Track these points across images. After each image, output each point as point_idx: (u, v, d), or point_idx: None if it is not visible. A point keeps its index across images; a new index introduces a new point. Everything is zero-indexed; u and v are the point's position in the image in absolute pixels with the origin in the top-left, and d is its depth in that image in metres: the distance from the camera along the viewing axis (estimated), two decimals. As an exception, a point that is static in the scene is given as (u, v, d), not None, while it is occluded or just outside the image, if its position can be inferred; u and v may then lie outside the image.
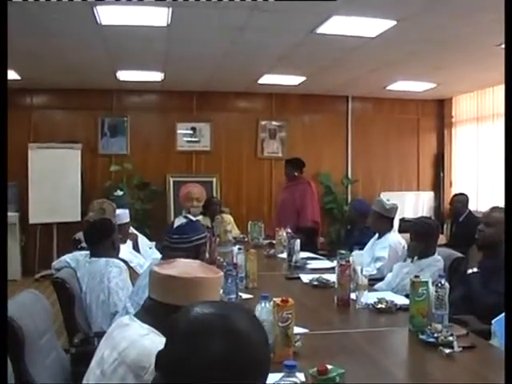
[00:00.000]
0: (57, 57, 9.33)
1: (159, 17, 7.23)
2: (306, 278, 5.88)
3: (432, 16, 7.14)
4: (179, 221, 4.47)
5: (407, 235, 6.16)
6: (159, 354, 1.72)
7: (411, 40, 8.31)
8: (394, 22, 7.40)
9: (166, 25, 7.52)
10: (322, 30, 7.70)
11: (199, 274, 2.59)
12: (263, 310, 3.29)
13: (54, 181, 11.23)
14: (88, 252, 5.31)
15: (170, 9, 6.93)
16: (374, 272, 6.52)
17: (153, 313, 2.53)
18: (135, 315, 2.66)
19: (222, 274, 2.75)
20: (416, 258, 5.78)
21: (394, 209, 7.03)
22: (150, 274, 2.69)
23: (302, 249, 7.42)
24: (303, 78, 11.35)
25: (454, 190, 12.91)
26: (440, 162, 14.04)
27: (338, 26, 7.57)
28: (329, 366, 2.25)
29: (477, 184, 12.70)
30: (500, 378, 2.86)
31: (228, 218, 10.05)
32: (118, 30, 7.78)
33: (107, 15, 7.17)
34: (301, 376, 2.35)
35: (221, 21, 7.38)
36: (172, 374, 1.66)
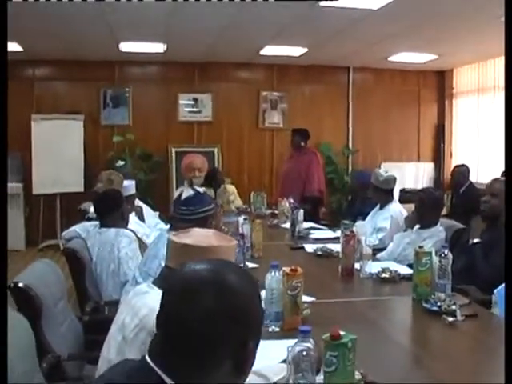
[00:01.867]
0: (59, 29, 9.34)
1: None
2: (310, 247, 5.97)
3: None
4: (187, 192, 4.54)
5: (408, 206, 6.26)
6: (158, 314, 1.81)
7: (413, 12, 8.33)
8: (398, -6, 7.45)
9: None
10: (324, 2, 7.73)
11: (214, 242, 2.70)
12: (273, 279, 3.36)
13: (57, 152, 11.25)
14: (97, 222, 5.40)
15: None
16: (376, 242, 6.61)
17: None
18: (153, 283, 2.77)
19: (235, 242, 2.86)
20: (418, 227, 5.89)
21: (391, 180, 7.09)
22: (168, 243, 2.78)
23: (307, 219, 7.53)
24: (305, 50, 11.35)
25: (455, 161, 12.97)
26: (440, 133, 14.07)
27: (340, -2, 7.60)
28: (341, 332, 2.33)
29: (477, 155, 12.76)
30: (500, 344, 2.94)
31: (231, 188, 10.12)
32: (119, 2, 7.79)
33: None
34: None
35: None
36: (169, 331, 1.75)
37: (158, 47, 11.11)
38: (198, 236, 2.75)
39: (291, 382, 2.31)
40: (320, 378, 2.39)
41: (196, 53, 11.80)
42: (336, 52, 11.70)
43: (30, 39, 9.98)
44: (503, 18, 8.15)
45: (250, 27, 9.42)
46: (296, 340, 2.31)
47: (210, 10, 8.30)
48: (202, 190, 4.89)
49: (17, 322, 2.76)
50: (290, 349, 2.31)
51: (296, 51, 11.56)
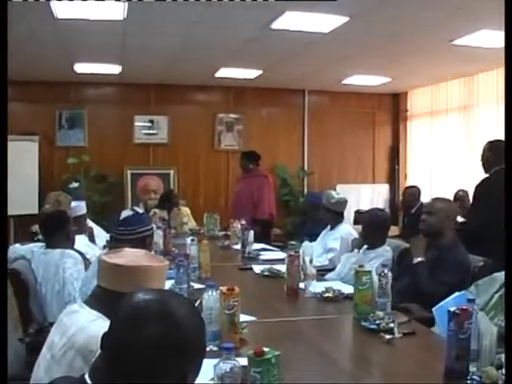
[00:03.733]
0: (14, 49, 9.29)
1: (115, 10, 7.27)
2: (257, 268, 5.98)
3: (384, 12, 7.28)
4: (126, 213, 4.56)
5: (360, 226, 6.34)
6: (103, 336, 1.84)
7: (364, 35, 8.45)
8: (347, 18, 7.52)
9: (122, 18, 7.57)
10: (276, 25, 7.81)
11: (145, 262, 2.71)
12: (210, 298, 3.39)
13: (11, 173, 11.06)
14: (43, 244, 5.38)
15: (126, 3, 6.99)
16: (326, 263, 6.69)
17: (101, 300, 2.64)
18: (85, 302, 2.78)
19: (167, 263, 2.87)
20: (365, 247, 5.95)
21: (342, 202, 7.15)
22: (98, 262, 2.80)
23: (257, 240, 7.56)
24: (260, 72, 11.43)
25: (409, 183, 13.10)
26: (395, 155, 14.23)
27: (291, 21, 7.68)
28: (265, 349, 2.37)
29: (431, 177, 12.92)
30: (437, 362, 3.00)
31: (185, 210, 10.12)
32: (74, 24, 7.80)
33: (63, 9, 7.21)
34: (243, 361, 2.46)
35: (176, 14, 7.43)
36: (112, 354, 1.78)
37: (114, 69, 11.10)
38: (129, 256, 2.76)
39: (216, 399, 2.34)
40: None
41: (152, 75, 11.82)
42: (291, 75, 11.79)
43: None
44: (455, 42, 8.36)
45: (205, 49, 9.45)
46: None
47: (165, 32, 8.33)
48: (141, 210, 4.90)
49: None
50: (215, 366, 2.34)
51: (251, 74, 11.63)
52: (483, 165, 6.83)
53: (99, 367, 1.80)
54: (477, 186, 6.83)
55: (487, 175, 6.75)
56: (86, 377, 1.79)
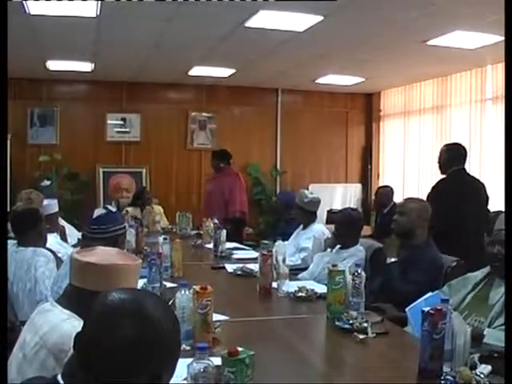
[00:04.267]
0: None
1: (88, 7, 7.22)
2: (230, 267, 5.98)
3: (358, 12, 7.29)
4: (99, 211, 4.53)
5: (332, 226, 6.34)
6: (76, 336, 1.81)
7: (338, 35, 8.46)
8: (321, 17, 7.52)
9: (95, 15, 7.52)
10: (250, 23, 7.79)
11: (117, 260, 2.69)
12: (183, 298, 3.37)
13: (-19, 170, 11.08)
14: (15, 241, 5.33)
15: (99, 1, 6.95)
16: (299, 262, 6.69)
17: (73, 298, 2.62)
18: (57, 301, 2.75)
19: (140, 261, 2.85)
20: (338, 247, 5.96)
21: (315, 202, 7.16)
22: (71, 261, 2.77)
23: (230, 239, 7.54)
24: (233, 71, 11.41)
25: (382, 183, 13.18)
26: (368, 155, 14.27)
27: (265, 20, 7.67)
28: (239, 349, 2.36)
29: (403, 176, 12.97)
30: (409, 361, 3.03)
31: (157, 208, 10.10)
32: (46, 20, 7.74)
33: (36, 5, 7.16)
34: (217, 360, 2.45)
35: (149, 12, 7.37)
36: (86, 355, 1.76)
37: (86, 66, 11.05)
38: (102, 254, 2.74)
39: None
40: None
41: (124, 72, 11.77)
42: (264, 73, 11.79)
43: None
44: (429, 42, 8.39)
45: (178, 47, 9.42)
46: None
47: (137, 30, 8.29)
48: (113, 209, 4.87)
49: None
50: (189, 366, 2.33)
51: (224, 72, 11.61)
52: (440, 166, 7.16)
53: (72, 368, 1.78)
54: (434, 187, 7.09)
55: (443, 176, 7.10)
56: (59, 377, 1.76)
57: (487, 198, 7.10)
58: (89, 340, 1.77)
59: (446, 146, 7.43)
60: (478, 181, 7.41)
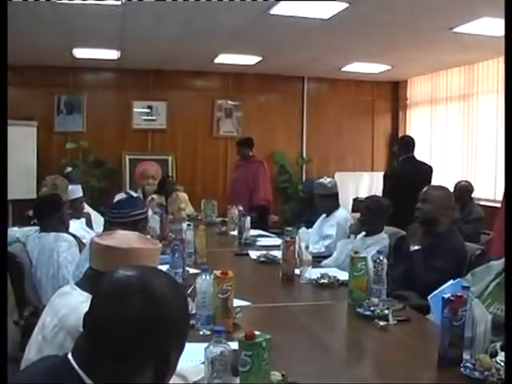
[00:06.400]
0: (12, 34, 9.26)
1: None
2: (254, 254, 6.00)
3: (384, -1, 7.27)
4: (119, 196, 4.55)
5: (358, 214, 6.33)
6: (85, 315, 1.82)
7: (364, 22, 8.40)
8: (346, 4, 7.48)
9: (120, 3, 7.54)
10: (274, 10, 7.76)
11: (137, 244, 2.71)
12: (204, 282, 3.39)
13: (10, 158, 11.09)
14: (38, 227, 5.37)
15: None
16: (323, 250, 6.66)
17: (92, 281, 2.62)
18: (76, 284, 2.78)
19: (159, 245, 2.86)
20: (363, 234, 5.94)
21: (334, 184, 7.14)
22: (91, 244, 2.79)
23: (255, 226, 7.56)
24: (259, 58, 11.39)
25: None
26: (394, 143, 14.18)
27: (290, 7, 7.63)
28: (256, 332, 2.36)
29: (430, 165, 12.86)
30: (430, 348, 3.01)
31: (182, 195, 10.11)
32: (72, 8, 7.76)
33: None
34: (235, 345, 2.45)
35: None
36: (94, 333, 1.76)
37: (112, 54, 11.07)
38: (121, 238, 2.75)
39: (206, 382, 2.33)
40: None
41: (150, 60, 11.79)
42: (290, 61, 11.76)
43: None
44: (455, 29, 8.32)
45: (204, 35, 9.40)
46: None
47: (163, 17, 8.30)
48: (135, 194, 4.88)
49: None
50: (206, 349, 2.34)
51: (250, 60, 11.60)
52: (394, 155, 8.88)
53: (81, 346, 1.78)
54: (388, 172, 8.99)
55: (396, 163, 8.99)
56: (69, 356, 1.77)
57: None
58: (95, 317, 1.78)
59: (399, 138, 9.71)
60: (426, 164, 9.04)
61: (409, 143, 8.80)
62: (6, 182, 3.61)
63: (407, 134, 13.88)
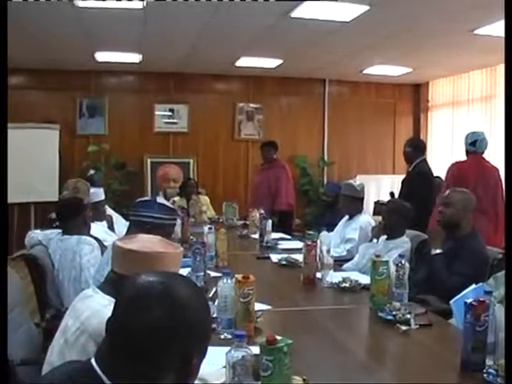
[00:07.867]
0: (34, 38, 9.36)
1: (135, -1, 7.31)
2: (275, 257, 5.98)
3: (405, 1, 7.24)
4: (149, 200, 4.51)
5: (380, 217, 6.30)
6: (108, 320, 1.83)
7: (385, 24, 8.40)
8: (368, 7, 7.48)
9: (141, 7, 7.58)
10: (295, 13, 7.78)
11: (158, 248, 2.71)
12: (225, 286, 3.38)
13: (32, 161, 11.19)
14: (60, 230, 5.39)
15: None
16: (344, 253, 6.65)
17: (114, 285, 2.64)
18: (98, 287, 2.79)
19: (181, 249, 2.85)
20: (385, 238, 5.91)
21: (363, 188, 7.13)
22: (113, 248, 2.80)
23: (277, 230, 7.56)
24: (280, 61, 11.41)
25: (429, 174, 13.05)
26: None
27: (311, 10, 7.65)
28: (278, 337, 2.36)
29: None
30: (452, 353, 2.99)
31: (204, 199, 10.14)
32: (94, 13, 7.82)
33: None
34: (256, 349, 2.45)
35: (196, 3, 7.39)
36: (116, 338, 1.77)
37: (134, 57, 11.13)
38: (143, 242, 2.76)
39: (228, 386, 2.34)
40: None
41: (172, 63, 11.84)
42: (311, 64, 11.76)
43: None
44: (476, 31, 8.29)
45: (225, 38, 9.44)
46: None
47: (184, 21, 8.32)
48: (165, 201, 4.86)
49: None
50: (227, 354, 2.34)
51: (271, 63, 11.61)
52: (405, 159, 8.87)
53: (104, 351, 1.79)
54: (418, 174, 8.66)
55: (411, 167, 8.80)
56: (93, 361, 1.78)
57: None
58: (118, 322, 1.79)
59: (408, 141, 9.26)
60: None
61: (421, 146, 9.08)
62: (6, 182, 3.63)
63: (428, 136, 13.88)
